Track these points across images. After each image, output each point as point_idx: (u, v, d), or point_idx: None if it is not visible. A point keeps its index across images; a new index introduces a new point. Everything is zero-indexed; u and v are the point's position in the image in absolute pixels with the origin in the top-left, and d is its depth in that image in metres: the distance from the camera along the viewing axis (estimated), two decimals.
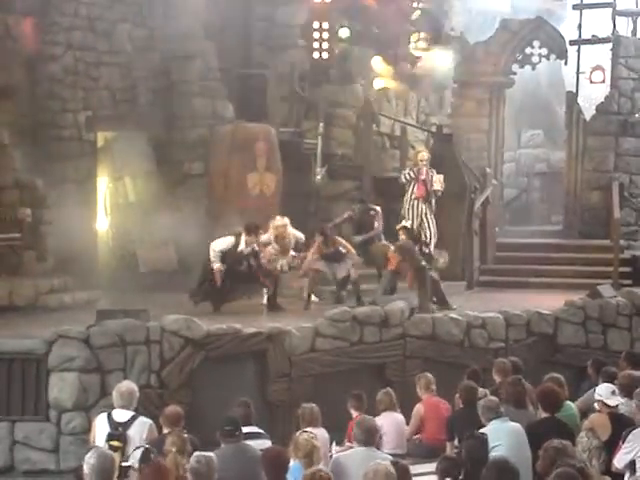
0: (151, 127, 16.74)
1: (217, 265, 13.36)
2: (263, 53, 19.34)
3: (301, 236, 14.12)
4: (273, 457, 7.09)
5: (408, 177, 15.87)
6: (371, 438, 7.65)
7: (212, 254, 13.41)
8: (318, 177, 16.99)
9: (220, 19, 17.85)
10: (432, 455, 10.05)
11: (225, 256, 13.44)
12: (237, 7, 18.84)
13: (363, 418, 8.13)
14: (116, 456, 8.16)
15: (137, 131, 16.62)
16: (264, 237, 13.83)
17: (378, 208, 15.43)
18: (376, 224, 15.24)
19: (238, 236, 13.53)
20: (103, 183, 16.57)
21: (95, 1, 16.14)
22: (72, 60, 15.91)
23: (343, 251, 14.01)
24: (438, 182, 15.65)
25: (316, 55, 19.98)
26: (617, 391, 8.94)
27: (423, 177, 15.71)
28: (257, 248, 13.58)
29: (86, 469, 6.43)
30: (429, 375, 10.86)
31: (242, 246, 13.51)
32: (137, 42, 16.70)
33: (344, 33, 19.76)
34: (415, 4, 21.05)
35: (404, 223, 15.28)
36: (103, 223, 16.51)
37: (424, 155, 16.06)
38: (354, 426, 7.93)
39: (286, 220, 13.96)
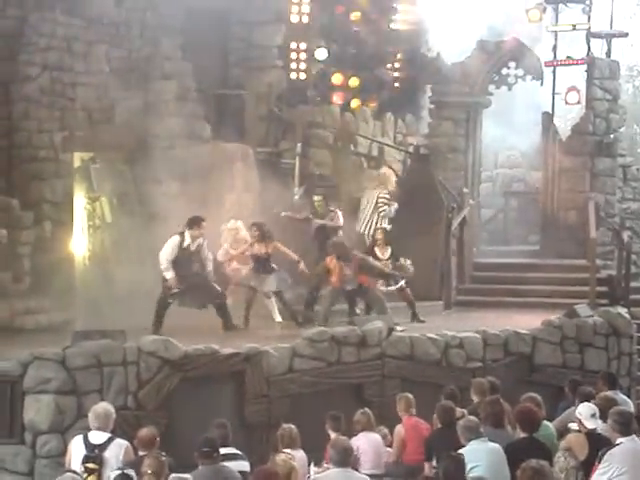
0: (128, 147, 16.72)
1: (170, 275, 13.10)
2: (241, 74, 19.44)
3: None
4: (265, 477, 7.05)
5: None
6: (346, 459, 7.61)
7: (162, 266, 13.09)
8: (296, 197, 17.03)
9: (197, 40, 17.89)
10: (411, 475, 10.04)
11: (176, 261, 13.10)
12: (215, 28, 18.90)
13: (337, 439, 8.11)
14: (92, 478, 8.16)
15: (114, 151, 16.59)
16: (220, 252, 13.93)
17: (339, 212, 15.48)
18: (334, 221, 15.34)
19: (182, 234, 13.25)
20: (80, 204, 16.51)
21: (72, 22, 16.11)
22: (48, 80, 15.83)
23: (274, 266, 13.99)
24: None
25: (293, 76, 20.11)
26: (597, 413, 8.90)
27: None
28: (203, 242, 13.23)
29: None
30: (410, 396, 10.69)
31: (187, 241, 13.21)
32: (114, 63, 16.68)
33: (321, 55, 19.87)
34: (393, 25, 21.22)
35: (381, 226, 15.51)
36: (80, 244, 16.43)
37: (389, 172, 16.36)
38: (329, 447, 7.90)
39: (239, 223, 13.93)
